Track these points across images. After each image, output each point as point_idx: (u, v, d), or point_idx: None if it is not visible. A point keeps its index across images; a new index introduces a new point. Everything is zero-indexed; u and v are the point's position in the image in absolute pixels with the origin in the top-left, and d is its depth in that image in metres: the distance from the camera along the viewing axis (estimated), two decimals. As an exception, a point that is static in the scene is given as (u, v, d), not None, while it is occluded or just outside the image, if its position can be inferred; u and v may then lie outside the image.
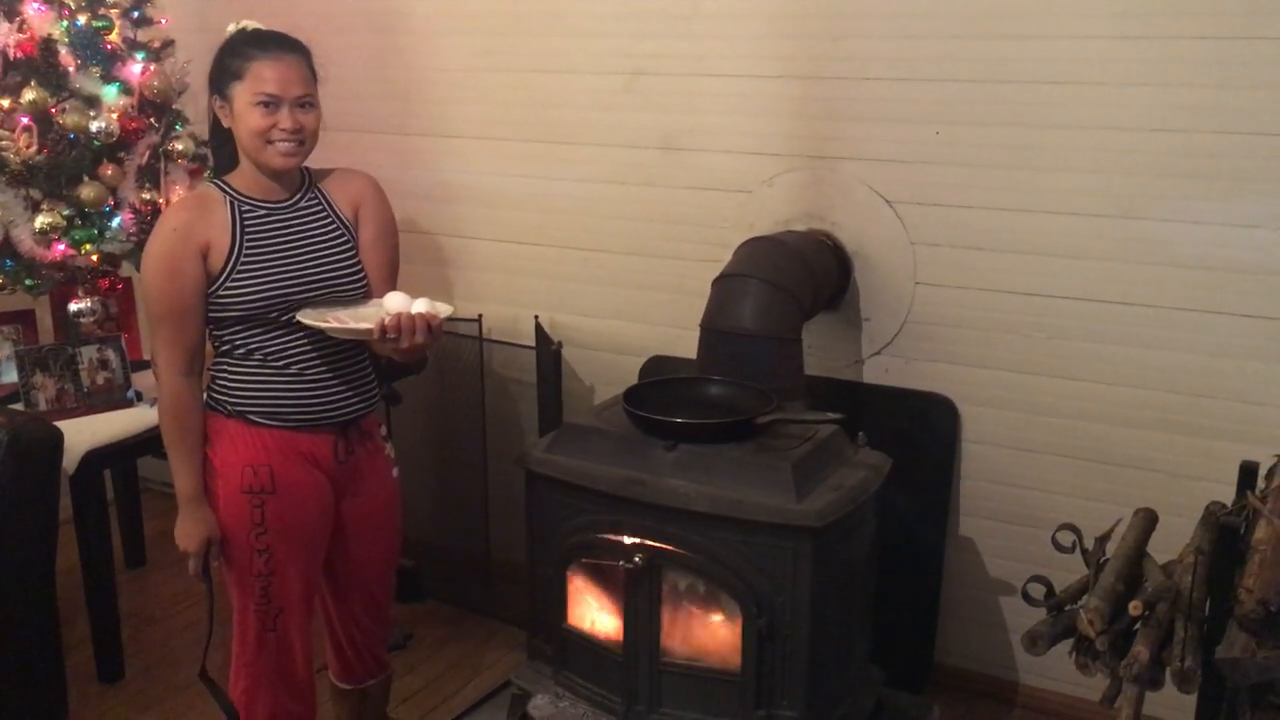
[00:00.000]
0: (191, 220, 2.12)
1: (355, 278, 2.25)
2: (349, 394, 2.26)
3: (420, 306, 2.11)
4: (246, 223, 2.16)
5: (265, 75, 2.10)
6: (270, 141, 2.12)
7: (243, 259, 2.13)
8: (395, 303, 2.11)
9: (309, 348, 2.20)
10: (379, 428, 2.40)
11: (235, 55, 2.12)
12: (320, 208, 2.26)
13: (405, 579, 3.26)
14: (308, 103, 2.15)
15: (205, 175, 2.32)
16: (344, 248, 2.25)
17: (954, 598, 2.90)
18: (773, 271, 2.55)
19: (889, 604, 2.67)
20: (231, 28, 2.18)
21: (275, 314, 2.15)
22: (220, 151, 2.27)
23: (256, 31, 2.17)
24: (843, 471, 2.34)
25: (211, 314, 2.17)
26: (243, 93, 2.10)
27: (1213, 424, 2.52)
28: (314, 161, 2.25)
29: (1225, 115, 2.37)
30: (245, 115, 2.11)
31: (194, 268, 2.11)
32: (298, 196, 2.25)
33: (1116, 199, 2.51)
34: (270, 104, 2.10)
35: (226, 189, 2.19)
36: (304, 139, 2.15)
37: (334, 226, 2.26)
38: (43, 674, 2.59)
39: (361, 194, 2.31)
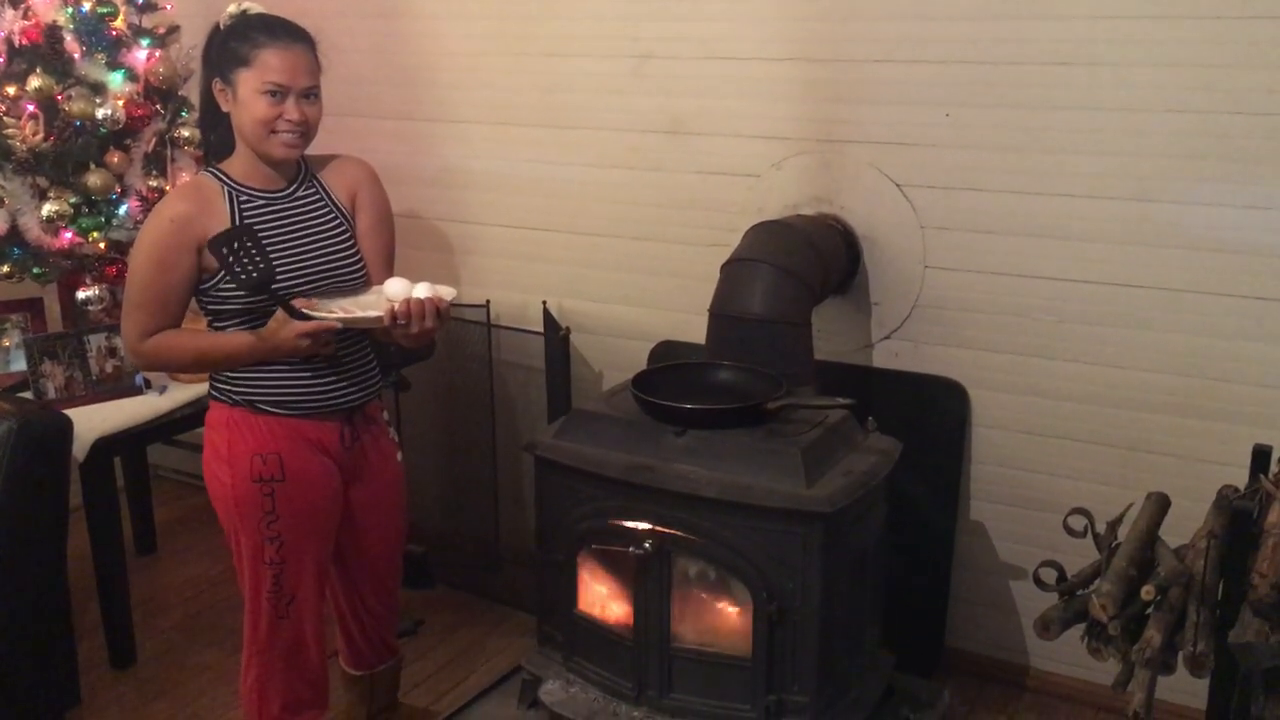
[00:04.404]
0: (190, 213, 2.10)
1: (355, 266, 2.25)
2: (354, 380, 2.27)
3: (422, 290, 2.09)
4: (245, 214, 2.15)
5: (274, 64, 2.07)
6: (274, 131, 2.11)
7: None
8: (396, 289, 2.10)
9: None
10: (382, 413, 2.40)
11: (242, 40, 2.09)
12: (318, 197, 2.25)
13: (415, 565, 3.26)
14: (313, 94, 2.14)
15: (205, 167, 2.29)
16: (343, 236, 2.24)
17: (965, 582, 2.90)
18: (782, 256, 2.54)
19: (900, 588, 2.67)
20: (233, 8, 2.14)
21: (276, 305, 2.14)
22: (213, 134, 2.24)
23: (262, 16, 2.14)
24: (853, 457, 2.34)
25: (213, 306, 2.16)
26: (249, 80, 2.08)
27: (1225, 407, 2.50)
28: (318, 147, 2.24)
29: (1239, 96, 2.35)
30: (250, 103, 2.09)
31: (187, 261, 2.10)
32: (295, 186, 2.23)
33: (1129, 181, 2.49)
34: (277, 94, 2.08)
35: (224, 178, 2.18)
36: (307, 131, 2.14)
37: (332, 215, 2.24)
38: (55, 660, 2.60)
39: (358, 181, 2.30)
